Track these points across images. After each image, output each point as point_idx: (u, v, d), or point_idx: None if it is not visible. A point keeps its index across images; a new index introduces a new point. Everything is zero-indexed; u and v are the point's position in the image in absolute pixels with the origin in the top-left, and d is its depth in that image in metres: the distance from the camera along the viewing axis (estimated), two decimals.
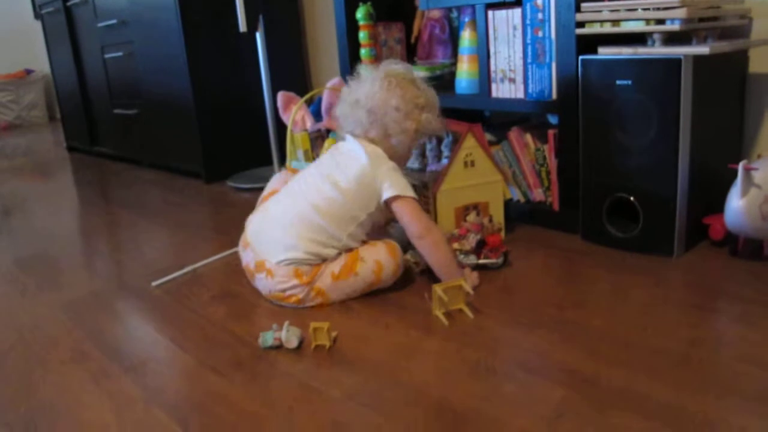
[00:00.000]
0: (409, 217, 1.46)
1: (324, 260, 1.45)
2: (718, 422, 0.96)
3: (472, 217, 1.59)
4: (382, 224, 1.58)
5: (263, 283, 1.48)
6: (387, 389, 1.12)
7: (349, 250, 1.47)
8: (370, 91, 1.52)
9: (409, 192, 1.48)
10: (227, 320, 1.44)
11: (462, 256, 1.56)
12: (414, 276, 1.58)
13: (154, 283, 1.69)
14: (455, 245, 1.57)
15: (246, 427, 1.05)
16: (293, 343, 1.27)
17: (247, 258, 1.53)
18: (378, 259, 1.46)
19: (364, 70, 1.61)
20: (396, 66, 1.59)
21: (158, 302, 1.59)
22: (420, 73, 2.15)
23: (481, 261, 1.56)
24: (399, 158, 1.56)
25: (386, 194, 1.46)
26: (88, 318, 1.53)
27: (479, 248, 1.56)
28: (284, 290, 1.44)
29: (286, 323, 1.31)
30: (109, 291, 1.70)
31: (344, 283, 1.45)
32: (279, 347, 1.29)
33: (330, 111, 2.14)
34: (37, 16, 5.12)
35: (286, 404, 1.10)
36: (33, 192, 3.12)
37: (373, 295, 1.49)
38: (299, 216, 1.46)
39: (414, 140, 1.58)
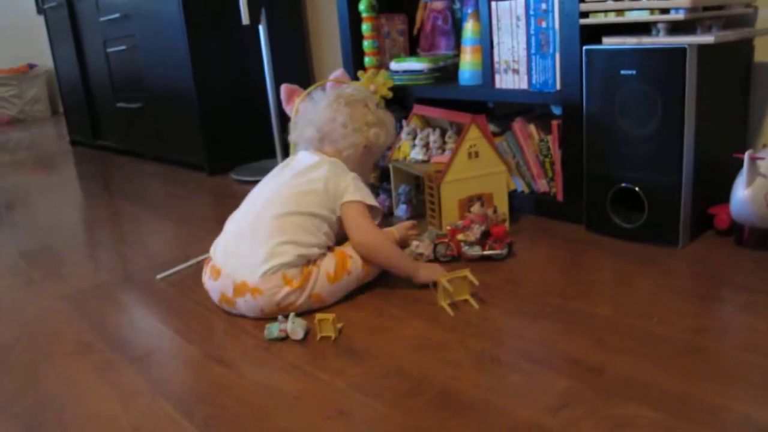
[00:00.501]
0: (354, 223, 1.48)
1: (309, 261, 1.40)
2: (723, 410, 0.95)
3: (476, 208, 1.59)
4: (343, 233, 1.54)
5: (250, 306, 1.37)
6: (392, 379, 1.12)
7: (329, 249, 1.46)
8: (321, 111, 1.63)
9: (370, 200, 1.52)
10: (232, 312, 1.44)
11: (466, 248, 1.56)
12: None
13: (158, 276, 1.69)
14: (460, 236, 1.57)
15: (251, 417, 1.05)
16: (299, 334, 1.28)
17: (222, 287, 1.41)
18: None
19: (318, 93, 1.72)
20: (348, 89, 1.72)
21: (163, 294, 1.59)
22: (423, 64, 2.16)
23: (486, 252, 1.56)
24: (357, 172, 1.58)
25: (347, 198, 1.48)
26: (92, 310, 1.54)
27: (484, 239, 1.56)
28: (278, 302, 1.36)
29: (292, 314, 1.31)
30: (113, 283, 1.70)
31: (339, 284, 1.41)
32: (284, 339, 1.29)
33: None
34: (40, 11, 5.12)
35: (291, 394, 1.10)
36: (36, 185, 3.13)
37: (377, 286, 1.49)
38: (272, 223, 1.41)
39: (366, 155, 1.65)
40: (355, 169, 1.58)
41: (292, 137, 1.71)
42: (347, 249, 1.46)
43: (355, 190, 1.49)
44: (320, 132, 1.61)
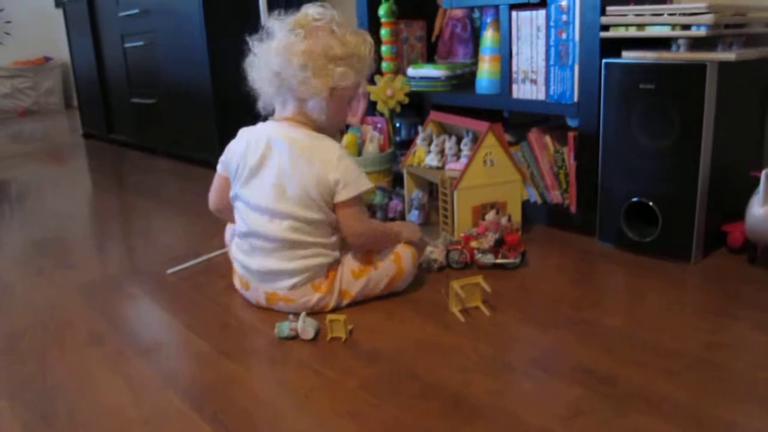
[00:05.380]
0: (346, 222, 1.39)
1: (332, 267, 1.40)
2: (735, 427, 0.95)
3: (491, 215, 1.59)
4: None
5: (287, 308, 1.40)
6: (403, 382, 1.12)
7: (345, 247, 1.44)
8: (276, 47, 1.34)
9: (364, 185, 1.38)
10: (243, 309, 1.45)
11: (480, 255, 1.56)
12: (431, 273, 1.58)
13: (169, 271, 1.70)
14: (473, 243, 1.57)
15: (261, 413, 1.05)
16: (309, 333, 1.28)
17: (255, 296, 1.44)
18: (394, 250, 1.46)
19: (273, 22, 1.39)
20: (311, 10, 1.38)
21: (174, 289, 1.60)
22: (440, 71, 2.16)
23: (499, 260, 1.56)
24: (328, 126, 1.43)
25: (340, 198, 1.36)
26: (103, 301, 1.54)
27: (497, 247, 1.56)
28: (312, 307, 1.38)
29: (303, 314, 1.31)
30: (124, 275, 1.70)
31: (365, 279, 1.41)
32: (295, 338, 1.29)
33: (348, 105, 2.14)
34: (58, 4, 5.15)
35: (302, 392, 1.10)
36: (48, 176, 3.14)
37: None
38: (285, 239, 1.36)
39: (336, 102, 1.41)
40: (327, 123, 1.42)
41: (249, 81, 1.44)
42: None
43: (345, 187, 1.35)
44: (278, 77, 1.36)
